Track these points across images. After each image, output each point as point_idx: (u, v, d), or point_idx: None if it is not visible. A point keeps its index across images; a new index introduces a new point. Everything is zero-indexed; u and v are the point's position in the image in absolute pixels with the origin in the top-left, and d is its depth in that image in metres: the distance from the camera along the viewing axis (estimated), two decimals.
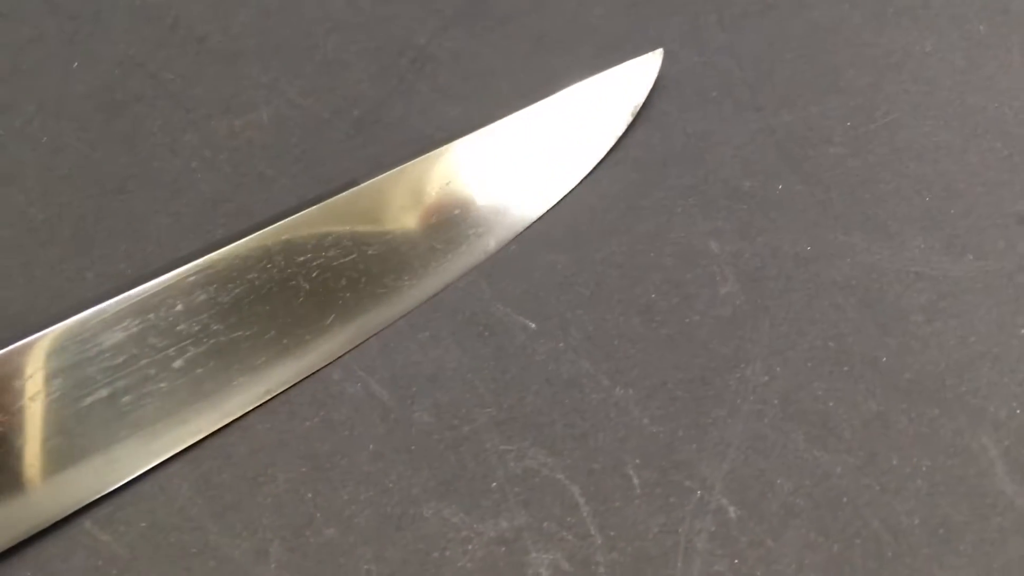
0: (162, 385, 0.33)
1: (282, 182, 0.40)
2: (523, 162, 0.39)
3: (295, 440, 0.34)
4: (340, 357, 0.36)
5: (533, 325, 0.36)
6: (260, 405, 0.35)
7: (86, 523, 0.33)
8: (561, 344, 0.36)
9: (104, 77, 0.43)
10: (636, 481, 0.33)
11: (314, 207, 0.35)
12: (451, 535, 0.32)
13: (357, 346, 0.36)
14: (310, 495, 0.33)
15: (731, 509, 0.32)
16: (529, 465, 0.33)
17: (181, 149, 0.41)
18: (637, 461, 0.33)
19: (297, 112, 0.42)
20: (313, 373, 0.35)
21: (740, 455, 0.33)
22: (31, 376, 0.31)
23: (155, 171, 0.40)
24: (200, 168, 0.40)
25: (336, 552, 0.32)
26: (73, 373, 0.32)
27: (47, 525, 0.32)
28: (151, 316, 0.32)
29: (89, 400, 0.32)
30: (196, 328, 0.33)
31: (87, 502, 0.33)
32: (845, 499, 0.32)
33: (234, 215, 0.39)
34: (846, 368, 0.35)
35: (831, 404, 0.34)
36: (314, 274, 0.35)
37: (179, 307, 0.33)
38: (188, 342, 0.33)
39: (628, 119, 0.41)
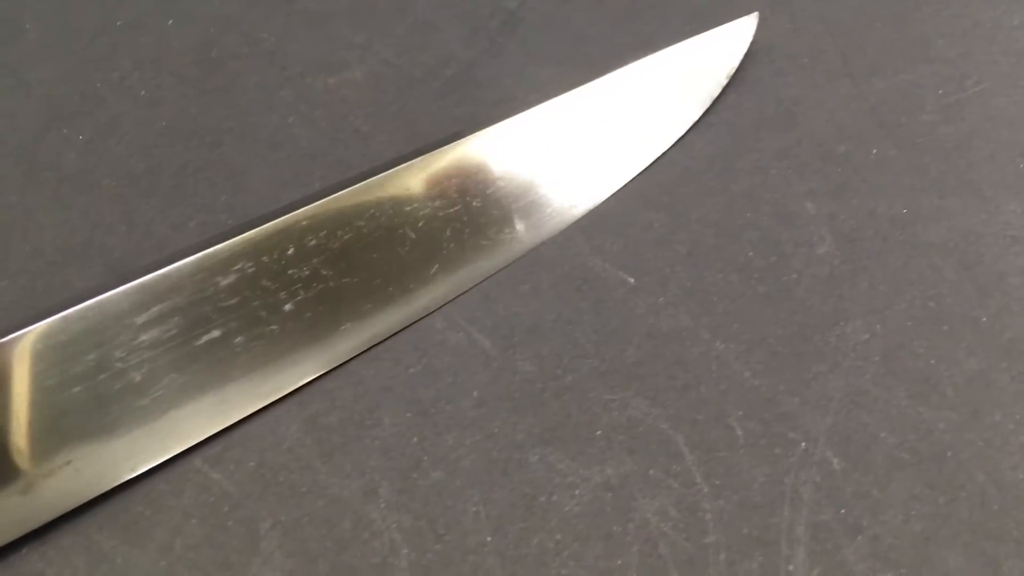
0: (273, 327, 0.33)
1: (378, 138, 0.40)
2: (618, 122, 0.39)
3: (399, 386, 0.34)
4: (443, 306, 0.36)
5: (632, 280, 0.37)
6: (365, 351, 0.35)
7: (196, 461, 0.33)
8: (660, 299, 0.36)
9: (200, 35, 0.44)
10: (739, 432, 0.33)
11: (419, 158, 0.36)
12: (557, 480, 0.32)
13: (459, 296, 0.36)
14: (416, 439, 0.33)
15: (835, 461, 0.32)
16: (633, 414, 0.33)
17: (277, 105, 0.41)
18: (740, 413, 0.33)
19: (391, 71, 0.42)
20: (416, 321, 0.35)
21: (843, 409, 0.33)
22: (147, 314, 0.31)
23: (252, 125, 0.41)
24: (297, 123, 0.41)
25: (444, 494, 0.32)
26: (188, 312, 0.32)
27: (159, 462, 0.32)
28: (264, 259, 0.33)
29: (203, 339, 0.32)
30: (306, 273, 0.34)
31: (198, 440, 0.33)
32: (949, 453, 0.32)
33: (332, 168, 0.39)
34: (946, 327, 0.35)
35: (932, 362, 0.34)
36: (420, 224, 0.35)
37: (291, 251, 0.33)
38: (299, 286, 0.34)
39: (722, 82, 0.41)
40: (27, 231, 0.38)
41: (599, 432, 0.33)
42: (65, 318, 0.31)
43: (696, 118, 0.40)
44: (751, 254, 0.37)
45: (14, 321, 0.31)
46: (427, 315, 0.36)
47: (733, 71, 0.41)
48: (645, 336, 0.35)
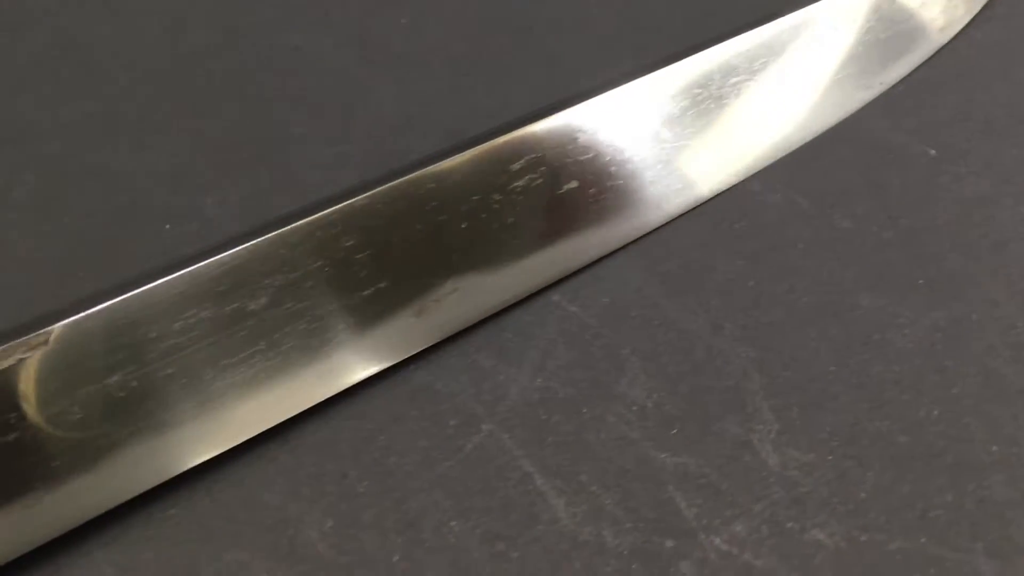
0: (619, 183, 0.37)
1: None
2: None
3: (728, 239, 0.38)
4: (759, 172, 0.39)
5: (932, 152, 0.40)
6: (693, 208, 0.38)
7: (555, 296, 0.37)
8: (962, 168, 0.39)
9: None
10: None
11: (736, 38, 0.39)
12: (887, 320, 0.36)
13: (775, 161, 0.39)
14: (751, 282, 0.37)
15: None
16: (951, 268, 0.37)
17: None
18: None
19: None
20: (734, 185, 0.39)
21: None
22: (520, 163, 0.35)
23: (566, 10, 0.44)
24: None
25: (784, 330, 0.36)
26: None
27: (528, 293, 0.36)
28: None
29: (565, 189, 0.36)
30: (647, 135, 0.37)
31: (556, 279, 0.36)
32: None
33: (640, 49, 0.43)
34: None
35: None
36: (740, 93, 0.39)
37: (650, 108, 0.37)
38: (642, 145, 0.37)
39: None
40: (367, 103, 0.42)
41: (921, 281, 0.36)
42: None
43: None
44: None
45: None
46: (744, 179, 0.39)
47: None
48: (951, 202, 0.38)
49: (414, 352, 0.35)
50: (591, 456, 0.32)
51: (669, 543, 0.30)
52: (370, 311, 0.33)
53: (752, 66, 0.39)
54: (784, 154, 0.40)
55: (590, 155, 0.36)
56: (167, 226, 0.37)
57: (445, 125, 0.41)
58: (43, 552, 0.30)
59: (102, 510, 0.30)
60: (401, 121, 0.41)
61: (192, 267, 0.30)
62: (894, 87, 0.41)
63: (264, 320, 0.31)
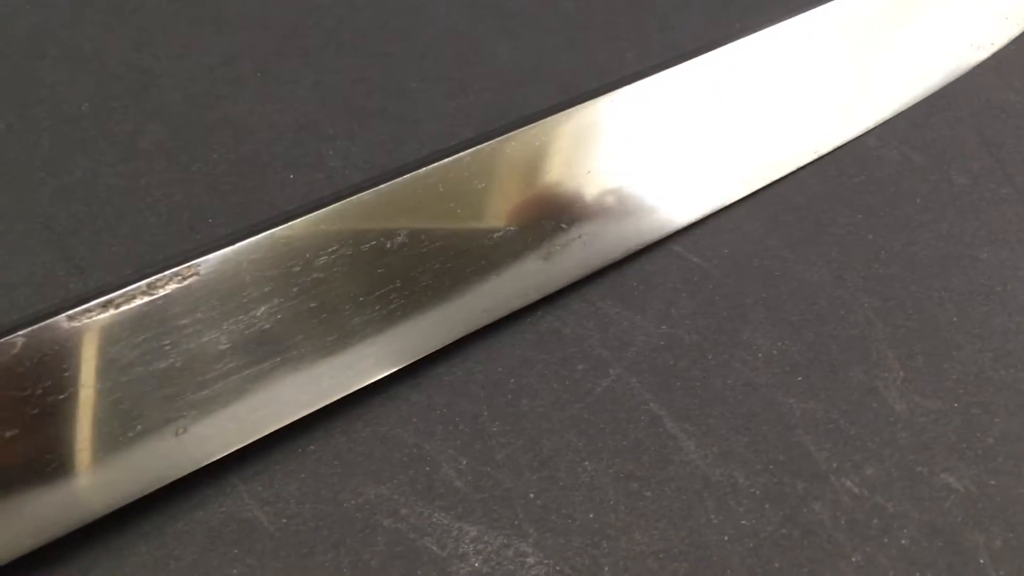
0: (740, 133, 0.37)
1: None
2: None
3: (847, 193, 0.38)
4: (875, 128, 0.40)
5: None
6: (811, 162, 0.39)
7: (676, 247, 0.37)
8: None
9: None
10: None
11: None
12: (1008, 274, 0.36)
13: (890, 118, 0.40)
14: (870, 236, 0.37)
15: None
16: None
17: None
18: None
19: None
20: (851, 141, 0.39)
21: None
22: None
23: None
24: None
25: (907, 281, 0.36)
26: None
27: (654, 240, 0.36)
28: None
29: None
30: (769, 87, 0.38)
31: (675, 229, 0.37)
32: None
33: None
34: None
35: None
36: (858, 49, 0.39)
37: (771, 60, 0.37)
38: (762, 98, 0.38)
39: None
40: (482, 57, 0.43)
41: None
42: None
43: None
44: None
45: None
46: (861, 135, 0.39)
47: None
48: None
49: (541, 297, 0.36)
50: (719, 400, 0.33)
51: (800, 485, 0.31)
52: (500, 254, 0.33)
53: (868, 25, 0.39)
54: (899, 111, 0.39)
55: (717, 103, 0.37)
56: (291, 175, 0.38)
57: (558, 79, 0.41)
58: (188, 483, 0.31)
59: (246, 441, 0.31)
60: (516, 75, 0.41)
61: (334, 205, 0.31)
62: (1005, 47, 0.41)
63: (400, 259, 0.32)
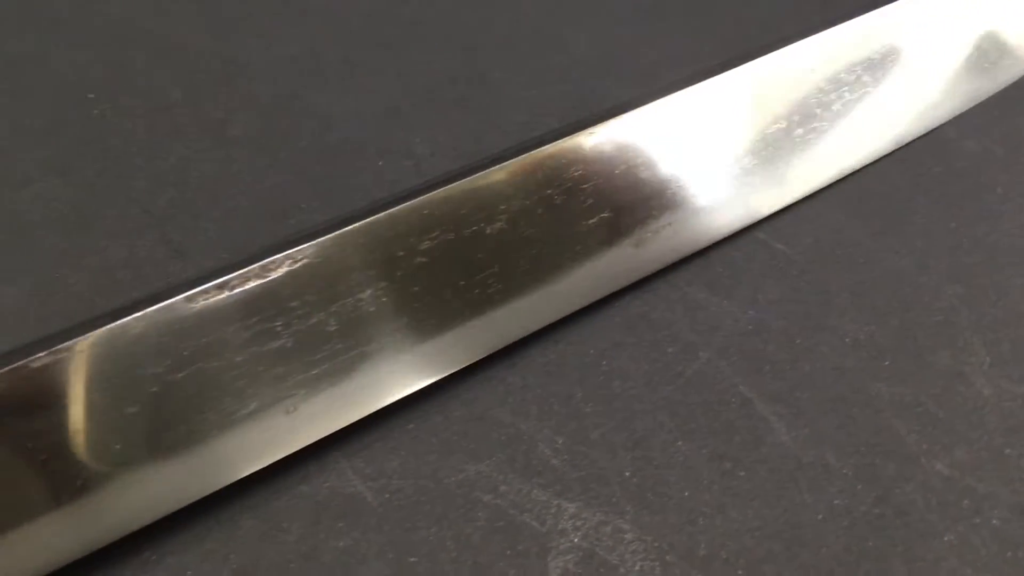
0: (823, 124, 0.38)
1: None
2: None
3: (927, 183, 0.40)
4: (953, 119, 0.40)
5: None
6: (891, 153, 0.39)
7: (760, 235, 0.38)
8: None
9: None
10: None
11: None
12: None
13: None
14: (952, 224, 0.38)
15: None
16: None
17: None
18: None
19: None
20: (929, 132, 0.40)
21: None
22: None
23: None
24: None
25: (990, 269, 0.37)
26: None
27: (734, 231, 0.37)
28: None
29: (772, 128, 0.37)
30: (850, 79, 0.39)
31: (759, 218, 0.38)
32: None
33: None
34: None
35: None
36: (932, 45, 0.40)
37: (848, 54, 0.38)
38: (844, 88, 0.38)
39: None
40: (562, 48, 0.44)
41: None
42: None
43: None
44: None
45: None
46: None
47: None
48: None
49: (632, 281, 0.37)
50: (808, 384, 0.33)
51: (891, 466, 0.32)
52: (593, 240, 0.34)
53: (947, 18, 0.40)
54: (976, 103, 0.40)
55: (801, 94, 0.37)
56: (380, 162, 0.39)
57: (636, 71, 0.42)
58: (293, 459, 0.32)
59: (351, 420, 0.32)
60: (595, 66, 0.42)
61: (438, 191, 0.32)
62: None
63: (499, 244, 0.33)
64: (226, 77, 0.42)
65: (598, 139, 0.34)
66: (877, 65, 0.38)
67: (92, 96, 0.41)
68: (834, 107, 0.38)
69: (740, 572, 0.29)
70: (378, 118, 0.40)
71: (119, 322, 0.28)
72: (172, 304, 0.28)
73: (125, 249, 0.36)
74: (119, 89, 0.41)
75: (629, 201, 0.35)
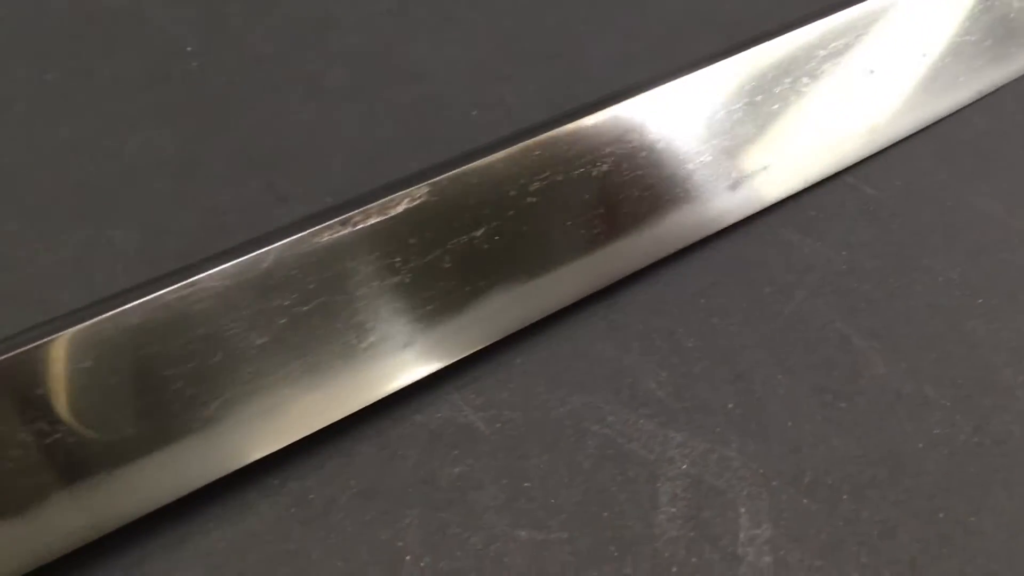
0: (916, 69, 0.39)
1: None
2: None
3: (1011, 130, 0.41)
4: None
5: None
6: (975, 102, 0.40)
7: (849, 179, 0.40)
8: None
9: None
10: None
11: None
12: None
13: None
14: None
15: None
16: None
17: None
18: None
19: None
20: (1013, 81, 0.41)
21: None
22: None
23: None
24: None
25: None
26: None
27: (822, 177, 0.38)
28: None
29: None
30: (937, 28, 0.39)
31: (850, 163, 0.39)
32: None
33: None
34: None
35: None
36: None
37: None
38: (931, 37, 0.39)
39: None
40: (649, 2, 0.44)
41: None
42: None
43: None
44: None
45: None
46: None
47: None
48: None
49: (727, 224, 0.38)
50: (904, 320, 0.35)
51: (988, 398, 0.33)
52: (691, 183, 0.35)
53: None
54: None
55: (888, 43, 0.38)
56: (473, 112, 0.40)
57: (722, 24, 0.43)
58: (408, 392, 0.33)
59: (465, 353, 0.33)
60: (682, 20, 0.43)
61: (549, 132, 0.33)
62: None
63: (604, 186, 0.34)
64: (319, 32, 0.43)
65: (696, 87, 0.35)
66: (963, 15, 0.39)
67: (190, 49, 0.42)
68: (921, 55, 0.38)
69: (845, 497, 0.30)
70: (469, 70, 0.42)
71: (251, 256, 0.29)
72: (300, 239, 0.29)
73: (231, 194, 0.37)
74: (216, 43, 0.42)
75: (726, 146, 0.36)
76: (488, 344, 0.33)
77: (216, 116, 0.39)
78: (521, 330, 0.34)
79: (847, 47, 0.37)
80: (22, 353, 0.26)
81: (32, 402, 0.27)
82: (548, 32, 0.43)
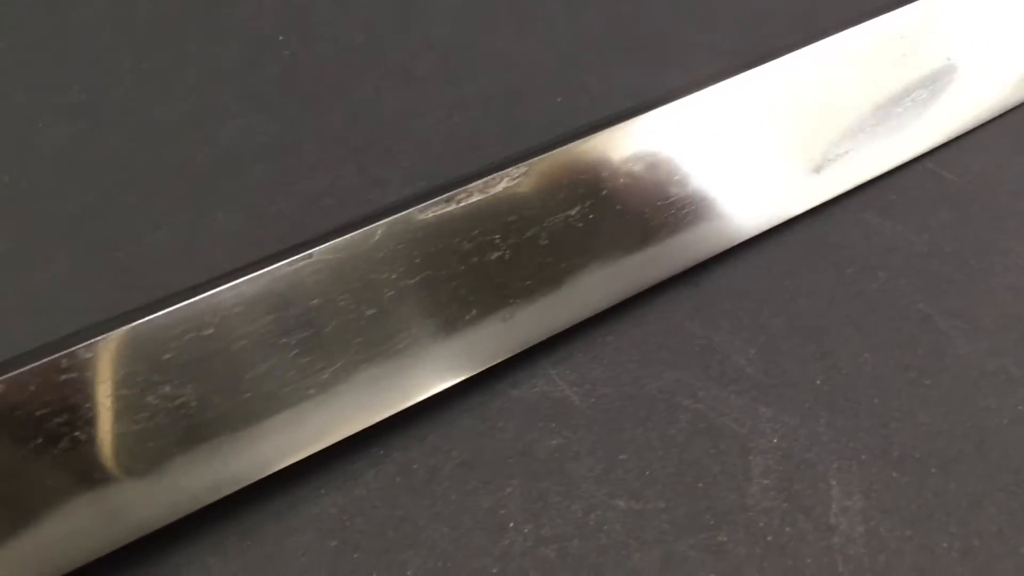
0: (986, 57, 0.40)
1: None
2: None
3: None
4: None
5: None
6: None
7: (929, 164, 0.41)
8: None
9: None
10: None
11: None
12: None
13: None
14: None
15: None
16: None
17: None
18: None
19: None
20: None
21: None
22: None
23: None
24: None
25: None
26: None
27: (900, 163, 0.39)
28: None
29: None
30: (1011, 13, 0.40)
31: (930, 148, 0.40)
32: None
33: None
34: None
35: None
36: None
37: None
38: (1005, 23, 0.40)
39: None
40: None
41: None
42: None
43: None
44: None
45: None
46: None
47: None
48: None
49: (810, 207, 0.39)
50: (985, 301, 0.36)
51: None
52: (774, 168, 0.37)
53: None
54: None
55: (966, 29, 0.39)
56: (558, 99, 0.41)
57: (797, 16, 0.44)
58: (504, 366, 0.34)
59: (560, 328, 0.35)
60: (760, 11, 0.44)
61: (639, 117, 0.34)
62: None
63: (692, 168, 0.35)
64: (406, 22, 0.44)
65: (777, 75, 0.36)
66: None
67: (282, 39, 0.44)
68: (999, 43, 0.39)
69: (933, 470, 0.31)
70: (553, 60, 0.43)
71: (361, 230, 0.31)
72: (407, 215, 0.31)
73: (327, 179, 0.39)
74: (306, 33, 0.44)
75: (811, 129, 0.37)
76: (582, 320, 0.34)
77: (310, 103, 0.41)
78: (610, 309, 0.35)
79: (927, 36, 0.38)
80: (152, 319, 0.28)
81: (157, 368, 0.28)
82: (628, 23, 0.44)
